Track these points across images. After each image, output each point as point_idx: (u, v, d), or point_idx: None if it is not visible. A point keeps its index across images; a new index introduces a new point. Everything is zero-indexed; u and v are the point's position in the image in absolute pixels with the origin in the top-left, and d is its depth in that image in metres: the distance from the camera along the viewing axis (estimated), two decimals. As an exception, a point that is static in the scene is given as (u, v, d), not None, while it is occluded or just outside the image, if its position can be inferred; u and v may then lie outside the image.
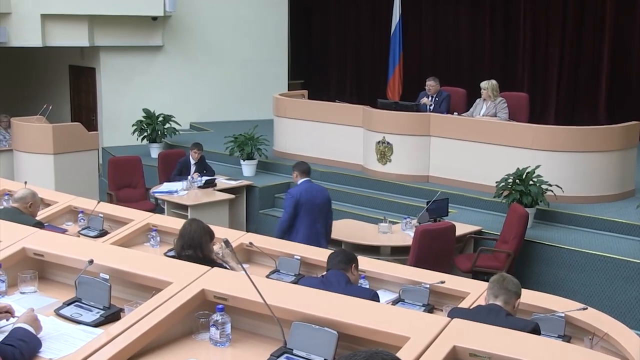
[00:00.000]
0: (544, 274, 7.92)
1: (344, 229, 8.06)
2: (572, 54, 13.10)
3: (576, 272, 7.73)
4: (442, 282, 4.71)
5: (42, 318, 3.04)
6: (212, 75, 14.78)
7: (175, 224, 5.68)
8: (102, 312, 3.22)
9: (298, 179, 7.61)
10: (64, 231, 6.33)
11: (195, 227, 4.80)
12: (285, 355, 2.81)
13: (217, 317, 2.96)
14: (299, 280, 5.02)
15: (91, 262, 3.38)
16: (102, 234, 6.20)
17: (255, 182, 10.47)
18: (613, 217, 8.37)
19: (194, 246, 4.70)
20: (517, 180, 8.26)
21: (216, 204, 9.42)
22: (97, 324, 3.14)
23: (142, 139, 12.62)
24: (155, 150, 12.27)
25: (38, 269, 3.65)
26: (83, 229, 6.43)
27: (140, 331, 2.88)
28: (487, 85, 9.64)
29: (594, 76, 12.88)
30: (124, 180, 10.45)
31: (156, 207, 9.70)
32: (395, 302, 4.74)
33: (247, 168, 10.97)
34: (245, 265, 4.90)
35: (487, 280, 4.33)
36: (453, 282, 4.75)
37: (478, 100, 9.85)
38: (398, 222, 8.08)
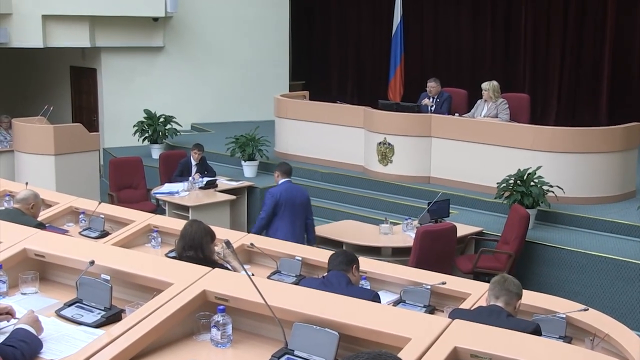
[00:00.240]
0: (545, 275, 7.92)
1: (345, 230, 8.07)
2: (573, 54, 13.11)
3: (577, 273, 7.72)
4: (443, 283, 4.71)
5: (43, 319, 3.04)
6: (213, 76, 14.79)
7: (177, 225, 5.68)
8: (103, 313, 3.22)
9: (279, 179, 7.88)
10: (65, 232, 6.33)
11: (196, 228, 4.80)
12: (287, 356, 2.81)
13: (218, 318, 2.96)
14: (299, 281, 5.02)
15: (92, 263, 3.38)
16: (103, 234, 6.20)
17: (256, 183, 10.47)
18: (614, 218, 8.37)
19: (195, 247, 4.70)
20: (518, 181, 8.26)
21: (217, 205, 9.42)
22: (98, 325, 3.13)
23: (143, 139, 12.63)
24: (156, 151, 12.28)
25: (39, 270, 3.64)
26: (84, 229, 6.43)
27: (142, 332, 2.88)
28: (488, 86, 9.63)
29: (594, 77, 12.89)
30: (125, 181, 10.45)
31: (157, 208, 9.69)
32: (396, 303, 4.74)
33: (248, 169, 10.97)
34: (246, 266, 4.92)
35: (488, 281, 4.33)
36: (454, 283, 4.75)
37: (479, 101, 9.85)
38: (399, 223, 8.08)
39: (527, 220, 7.62)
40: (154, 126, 12.52)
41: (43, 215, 6.36)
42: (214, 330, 2.97)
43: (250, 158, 10.92)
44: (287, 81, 15.75)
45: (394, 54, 13.62)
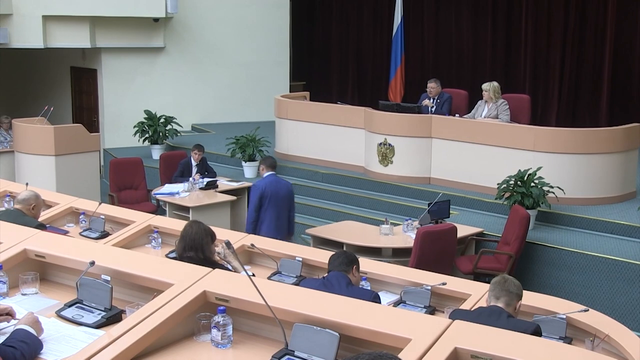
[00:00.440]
0: (545, 275, 7.92)
1: (346, 231, 8.07)
2: (574, 55, 13.10)
3: (577, 274, 7.72)
4: (444, 284, 4.71)
5: (43, 319, 3.04)
6: (214, 77, 14.79)
7: (177, 225, 5.68)
8: (103, 313, 3.22)
9: (264, 172, 8.10)
10: (65, 233, 6.33)
11: (197, 228, 4.80)
12: (287, 356, 2.81)
13: (218, 318, 2.96)
14: (300, 281, 5.02)
15: (92, 263, 3.38)
16: (104, 235, 6.20)
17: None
18: (614, 219, 8.37)
19: (195, 248, 4.70)
20: (518, 182, 8.26)
21: (218, 206, 9.42)
22: (98, 326, 3.14)
23: (144, 140, 12.64)
24: (156, 152, 12.29)
25: (39, 271, 3.64)
26: (84, 230, 6.43)
27: (142, 333, 2.88)
28: (489, 87, 9.63)
29: (595, 78, 12.88)
30: (126, 182, 10.46)
31: (158, 209, 9.70)
32: (396, 304, 4.75)
33: (249, 169, 10.98)
34: (246, 267, 4.93)
35: (488, 282, 4.33)
36: (454, 284, 4.75)
37: (479, 102, 9.85)
38: (399, 224, 8.08)
39: (528, 221, 7.62)
40: (154, 127, 12.52)
41: (43, 216, 6.36)
42: (214, 331, 2.97)
43: (251, 159, 10.93)
44: (288, 82, 15.75)
45: (395, 55, 13.63)
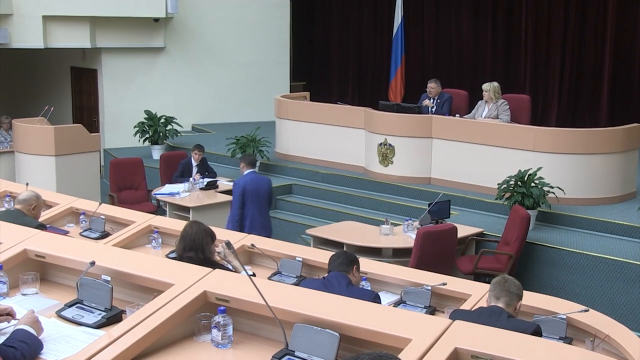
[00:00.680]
0: (545, 276, 7.92)
1: (346, 231, 8.07)
2: (574, 55, 13.10)
3: (578, 274, 7.72)
4: (444, 284, 4.71)
5: (43, 320, 3.04)
6: (214, 77, 14.79)
7: (177, 225, 5.68)
8: (103, 313, 3.22)
9: (244, 169, 8.31)
10: (65, 233, 6.33)
11: (197, 229, 4.80)
12: (287, 357, 2.81)
13: (218, 318, 2.96)
14: (300, 282, 5.02)
15: (93, 263, 3.38)
16: (104, 235, 6.19)
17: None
18: (614, 219, 8.37)
19: (196, 248, 4.70)
20: (518, 182, 8.26)
21: (218, 206, 9.42)
22: (98, 326, 3.14)
23: (144, 140, 12.64)
24: (157, 152, 12.29)
25: (39, 271, 3.64)
26: (84, 230, 6.43)
27: (142, 333, 2.88)
28: (489, 87, 9.63)
29: (595, 78, 12.88)
30: (126, 182, 10.46)
31: (158, 209, 9.70)
32: (396, 304, 4.74)
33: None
34: (246, 267, 4.93)
35: (488, 282, 4.33)
36: (455, 284, 4.75)
37: (480, 102, 9.85)
38: (400, 224, 8.08)
39: (528, 221, 7.62)
40: (154, 127, 12.52)
41: (44, 216, 6.36)
42: (214, 331, 2.97)
43: (251, 159, 10.91)
44: (288, 82, 15.75)
45: (395, 55, 13.63)
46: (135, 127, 12.58)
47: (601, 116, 12.66)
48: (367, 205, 9.82)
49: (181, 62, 14.52)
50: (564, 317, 4.17)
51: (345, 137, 10.82)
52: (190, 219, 8.61)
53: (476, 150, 9.46)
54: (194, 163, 10.25)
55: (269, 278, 5.26)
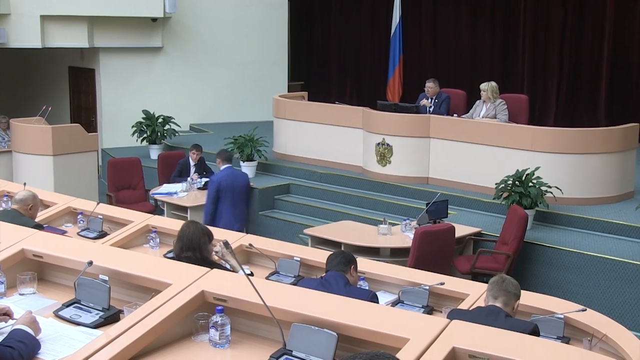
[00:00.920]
0: (543, 275, 7.93)
1: (344, 231, 8.07)
2: (572, 55, 13.11)
3: (575, 274, 7.73)
4: (442, 284, 4.71)
5: (41, 319, 3.04)
6: (212, 77, 14.79)
7: (175, 225, 5.68)
8: (101, 313, 3.22)
9: (221, 165, 8.61)
10: (63, 232, 6.33)
11: (194, 228, 4.80)
12: (285, 356, 2.81)
13: (216, 318, 2.96)
14: (298, 281, 5.02)
15: (90, 263, 3.38)
16: (102, 235, 6.20)
17: (255, 184, 10.45)
18: (612, 218, 8.37)
19: (193, 248, 4.70)
20: (516, 182, 8.26)
21: (216, 206, 9.40)
22: (96, 326, 3.14)
23: (142, 140, 12.63)
24: (154, 152, 12.28)
25: (37, 271, 3.64)
26: (82, 230, 6.43)
27: (140, 333, 2.88)
28: (487, 87, 9.64)
29: (593, 78, 12.89)
30: (124, 182, 10.46)
31: (156, 209, 9.70)
32: (394, 304, 4.75)
33: (247, 169, 10.95)
34: (244, 267, 4.93)
35: (486, 282, 4.33)
36: (452, 284, 4.75)
37: (478, 101, 9.85)
38: (398, 224, 8.08)
39: (526, 221, 7.63)
40: (152, 127, 12.51)
41: (41, 216, 6.36)
42: (212, 330, 2.97)
43: (249, 159, 10.91)
44: (286, 82, 15.75)
45: (393, 55, 13.63)
46: (133, 126, 12.57)
47: (599, 116, 12.67)
48: (365, 205, 9.81)
49: (179, 62, 14.52)
50: (562, 316, 4.17)
51: (343, 137, 10.82)
52: (188, 218, 8.62)
53: (474, 150, 9.46)
54: (192, 163, 10.25)
55: (267, 278, 5.27)
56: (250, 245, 5.55)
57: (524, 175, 8.26)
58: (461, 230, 7.88)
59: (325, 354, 2.75)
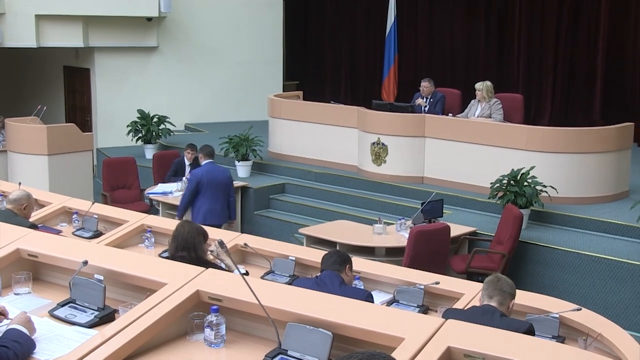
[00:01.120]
0: (538, 274, 7.94)
1: (339, 230, 8.07)
2: (567, 55, 13.14)
3: (570, 273, 7.74)
4: (437, 283, 4.71)
5: (36, 319, 3.04)
6: (207, 76, 14.78)
7: (170, 225, 5.68)
8: (96, 313, 3.21)
9: (202, 160, 8.74)
10: (58, 232, 6.32)
11: (189, 228, 4.80)
12: (280, 356, 2.81)
13: (211, 318, 2.96)
14: (293, 281, 5.02)
15: (85, 263, 3.37)
16: (97, 235, 6.19)
17: (250, 183, 10.46)
18: (607, 218, 8.38)
19: (188, 248, 4.70)
20: (511, 182, 8.27)
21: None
22: (91, 325, 3.13)
23: (137, 139, 12.62)
24: (149, 151, 12.26)
25: (32, 270, 3.64)
26: (77, 230, 6.42)
27: (135, 332, 2.88)
28: (482, 87, 9.64)
29: (588, 77, 12.92)
30: (119, 181, 10.44)
31: (151, 208, 9.69)
32: (389, 303, 4.75)
33: (242, 169, 10.96)
34: (239, 266, 4.93)
35: (481, 281, 4.33)
36: (447, 283, 4.75)
37: (473, 101, 9.86)
38: (393, 223, 8.08)
39: (521, 220, 7.63)
40: (147, 126, 12.50)
41: (36, 216, 6.35)
42: (207, 330, 2.97)
43: (244, 158, 10.91)
44: (281, 81, 15.73)
45: (388, 54, 13.62)
46: (128, 126, 12.56)
47: (594, 116, 12.69)
48: (360, 205, 9.82)
49: (174, 62, 14.50)
50: (557, 316, 4.18)
51: (338, 137, 10.82)
52: (183, 218, 8.61)
53: (469, 150, 9.47)
54: (187, 162, 10.23)
55: (262, 277, 5.26)
56: (246, 244, 5.54)
57: (519, 175, 8.27)
58: (456, 230, 7.88)
59: (321, 353, 2.75)
